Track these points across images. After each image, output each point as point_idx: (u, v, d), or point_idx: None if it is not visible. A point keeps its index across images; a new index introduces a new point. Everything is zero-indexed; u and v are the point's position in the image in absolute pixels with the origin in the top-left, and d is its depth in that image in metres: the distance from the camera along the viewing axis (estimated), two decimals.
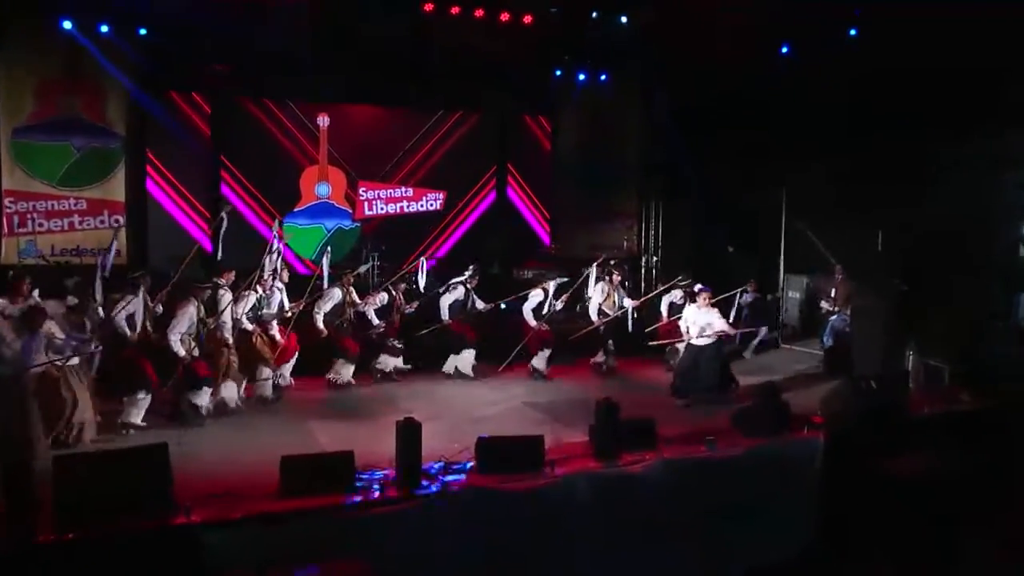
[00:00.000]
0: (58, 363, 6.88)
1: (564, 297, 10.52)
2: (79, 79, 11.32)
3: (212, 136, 12.25)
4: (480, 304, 10.37)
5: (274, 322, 8.99)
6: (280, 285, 9.23)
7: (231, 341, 8.29)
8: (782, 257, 13.14)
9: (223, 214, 9.18)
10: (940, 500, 7.45)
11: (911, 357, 9.89)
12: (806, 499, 7.21)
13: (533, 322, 10.21)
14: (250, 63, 11.85)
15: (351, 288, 9.73)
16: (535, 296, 10.36)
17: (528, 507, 6.05)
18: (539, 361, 10.27)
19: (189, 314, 7.76)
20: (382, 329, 9.86)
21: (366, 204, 13.33)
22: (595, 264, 10.80)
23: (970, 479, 7.66)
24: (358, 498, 5.74)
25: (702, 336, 9.04)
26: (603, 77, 14.13)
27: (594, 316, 10.50)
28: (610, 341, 10.61)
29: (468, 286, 10.31)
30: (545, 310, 10.29)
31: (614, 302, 10.62)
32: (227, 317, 8.22)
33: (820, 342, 11.34)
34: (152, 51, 11.44)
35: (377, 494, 5.79)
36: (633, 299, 10.83)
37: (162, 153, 11.92)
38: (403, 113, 13.47)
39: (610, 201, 14.66)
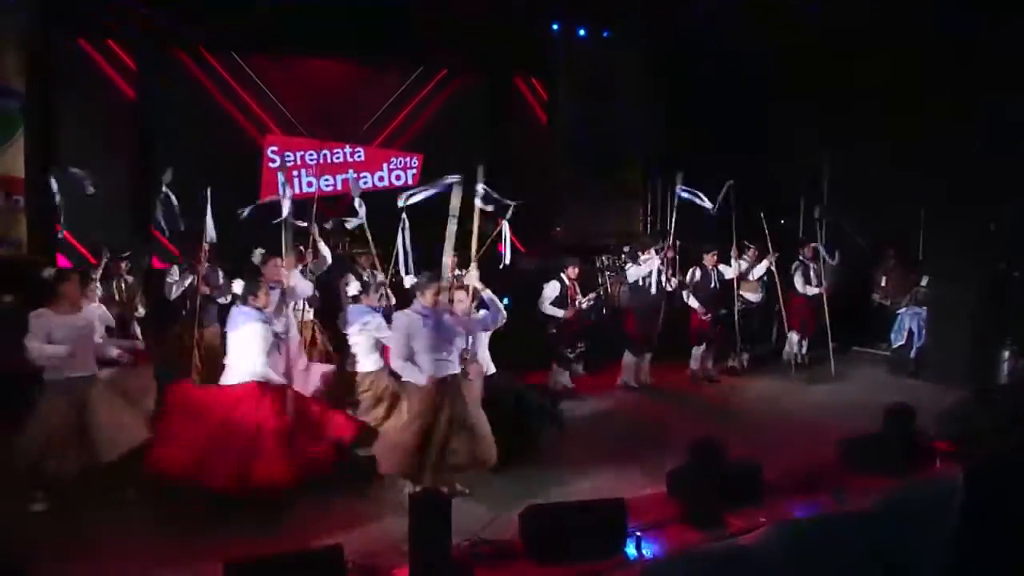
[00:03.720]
0: None
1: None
2: None
3: (137, 97, 9.83)
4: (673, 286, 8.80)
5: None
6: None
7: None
8: (822, 239, 11.42)
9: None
10: None
11: (1008, 358, 8.25)
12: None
13: (699, 307, 8.85)
14: (186, 6, 9.44)
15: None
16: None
17: None
18: (695, 362, 9.07)
19: None
20: (554, 329, 8.00)
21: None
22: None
23: None
24: None
25: None
26: (606, 33, 12.38)
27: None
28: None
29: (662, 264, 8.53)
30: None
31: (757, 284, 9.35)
32: None
33: (887, 341, 9.69)
34: None
35: None
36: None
37: (73, 119, 9.47)
38: (376, 72, 11.22)
39: (616, 178, 12.84)
